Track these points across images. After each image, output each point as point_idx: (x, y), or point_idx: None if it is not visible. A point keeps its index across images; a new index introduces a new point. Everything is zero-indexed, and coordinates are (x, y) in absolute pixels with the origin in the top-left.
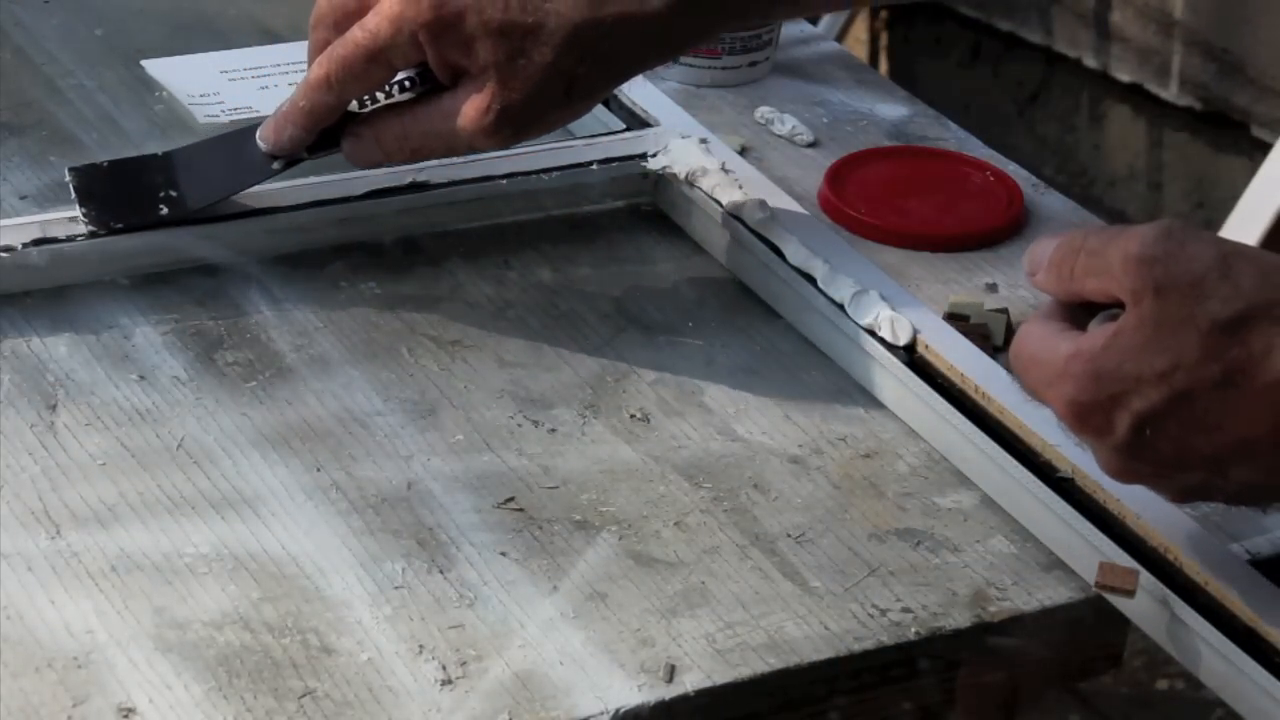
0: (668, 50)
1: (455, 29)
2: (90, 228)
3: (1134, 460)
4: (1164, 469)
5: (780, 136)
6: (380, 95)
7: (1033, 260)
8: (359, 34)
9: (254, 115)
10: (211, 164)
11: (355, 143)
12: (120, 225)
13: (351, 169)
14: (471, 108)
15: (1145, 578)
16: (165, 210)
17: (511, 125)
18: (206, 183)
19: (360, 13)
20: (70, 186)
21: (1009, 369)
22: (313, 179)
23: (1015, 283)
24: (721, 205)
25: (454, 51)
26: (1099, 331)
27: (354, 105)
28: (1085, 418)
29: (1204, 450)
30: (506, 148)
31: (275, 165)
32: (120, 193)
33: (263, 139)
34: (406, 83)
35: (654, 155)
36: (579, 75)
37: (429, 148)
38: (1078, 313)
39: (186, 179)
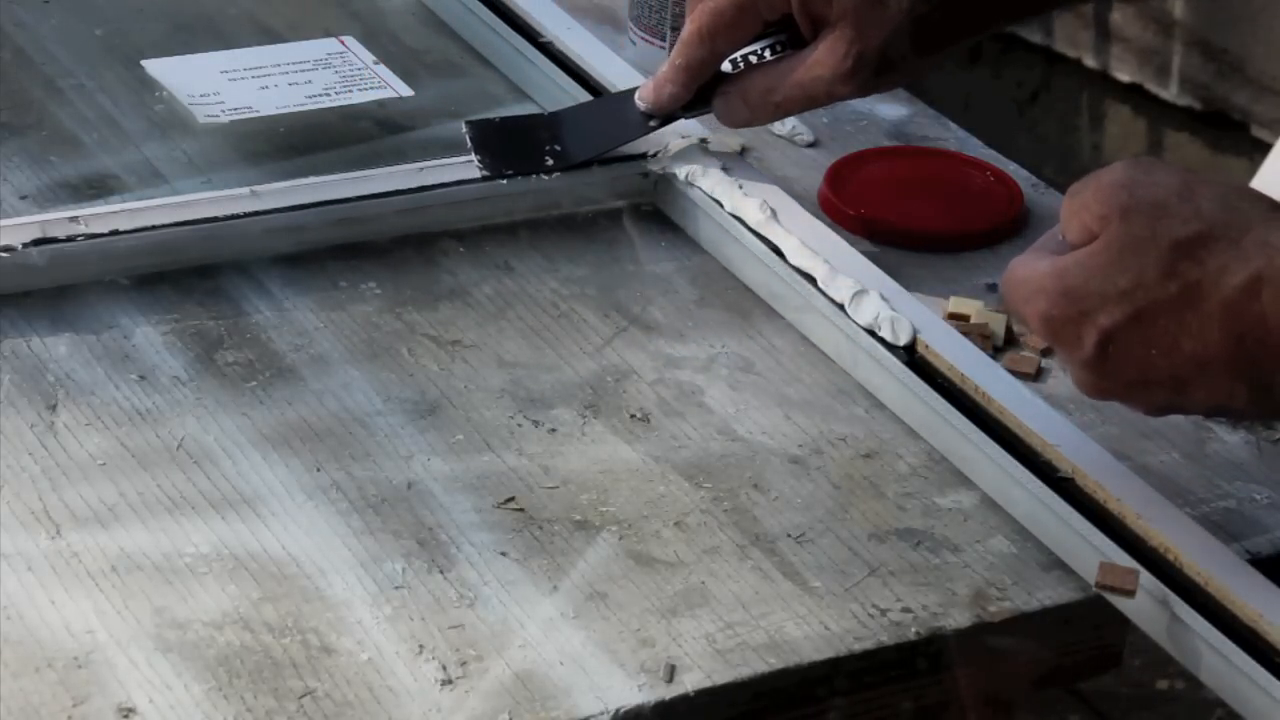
0: (1007, 13)
1: None
2: (484, 173)
3: (1102, 377)
4: (1131, 386)
5: (780, 136)
6: (753, 58)
7: None
8: None
9: (254, 115)
10: (593, 122)
11: (724, 100)
12: (510, 172)
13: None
14: (830, 54)
15: (1145, 578)
16: (550, 161)
17: (868, 70)
18: (588, 138)
19: None
20: (466, 137)
21: (1009, 367)
22: (313, 179)
23: None
24: (721, 205)
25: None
26: (1074, 253)
27: (726, 67)
28: (1057, 332)
29: (1164, 369)
30: (863, 95)
31: (652, 123)
32: (510, 145)
33: (641, 99)
34: (777, 46)
35: (654, 155)
36: (932, 23)
37: (791, 99)
38: (1066, 248)
39: (570, 135)
